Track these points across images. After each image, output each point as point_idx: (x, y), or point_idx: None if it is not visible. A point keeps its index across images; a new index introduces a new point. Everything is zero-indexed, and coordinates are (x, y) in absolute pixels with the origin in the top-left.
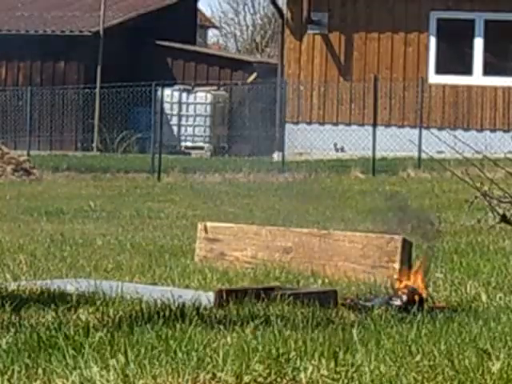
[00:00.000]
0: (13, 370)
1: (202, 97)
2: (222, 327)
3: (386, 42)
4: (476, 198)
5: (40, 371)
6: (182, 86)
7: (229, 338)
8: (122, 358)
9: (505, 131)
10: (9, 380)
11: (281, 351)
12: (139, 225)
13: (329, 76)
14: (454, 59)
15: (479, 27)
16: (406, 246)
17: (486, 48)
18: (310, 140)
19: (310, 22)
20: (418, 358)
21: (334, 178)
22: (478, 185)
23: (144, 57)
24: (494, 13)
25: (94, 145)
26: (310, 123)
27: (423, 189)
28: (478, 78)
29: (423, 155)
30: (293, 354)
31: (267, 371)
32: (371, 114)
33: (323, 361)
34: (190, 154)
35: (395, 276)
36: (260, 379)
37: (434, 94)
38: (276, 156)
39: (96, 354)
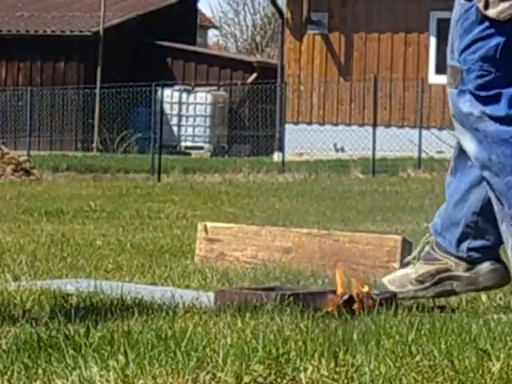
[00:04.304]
0: (13, 370)
1: (202, 97)
2: (221, 327)
3: (386, 42)
4: None
5: (40, 371)
6: (181, 87)
7: (229, 338)
8: (121, 358)
9: None
10: (9, 380)
11: (281, 351)
12: (139, 225)
13: (329, 76)
14: None
15: None
16: (406, 245)
17: None
18: (310, 140)
19: (309, 22)
20: (418, 358)
21: (334, 178)
22: None
23: (144, 57)
24: None
25: (94, 145)
26: (310, 123)
27: (423, 189)
28: None
29: (423, 155)
30: (293, 354)
31: (267, 371)
32: (371, 115)
33: (323, 361)
34: (189, 154)
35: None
36: (260, 379)
37: (434, 94)
38: (276, 156)
39: (96, 354)
